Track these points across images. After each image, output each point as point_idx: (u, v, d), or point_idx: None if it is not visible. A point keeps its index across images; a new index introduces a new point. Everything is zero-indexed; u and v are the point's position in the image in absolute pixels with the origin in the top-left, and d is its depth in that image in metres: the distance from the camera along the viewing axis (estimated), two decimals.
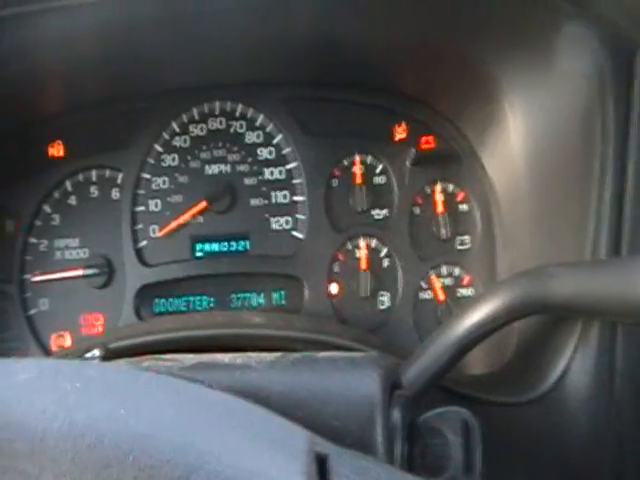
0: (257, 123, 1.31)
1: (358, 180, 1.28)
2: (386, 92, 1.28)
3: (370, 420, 0.68)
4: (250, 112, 1.31)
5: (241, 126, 1.31)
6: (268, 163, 1.30)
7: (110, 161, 1.30)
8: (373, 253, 1.27)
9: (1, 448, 0.41)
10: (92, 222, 1.30)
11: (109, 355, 0.86)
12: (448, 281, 1.26)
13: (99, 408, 0.44)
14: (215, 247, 1.28)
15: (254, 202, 1.29)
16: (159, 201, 1.30)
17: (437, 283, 1.26)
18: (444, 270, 1.26)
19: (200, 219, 1.29)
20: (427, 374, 0.77)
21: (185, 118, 1.31)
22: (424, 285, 1.26)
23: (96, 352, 0.86)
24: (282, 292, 1.27)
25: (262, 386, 0.69)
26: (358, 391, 0.69)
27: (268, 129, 1.30)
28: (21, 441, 0.41)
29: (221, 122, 1.31)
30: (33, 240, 1.30)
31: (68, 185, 1.31)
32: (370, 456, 0.59)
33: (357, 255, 1.27)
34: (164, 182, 1.30)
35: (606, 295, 0.75)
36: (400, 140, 1.28)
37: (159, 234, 1.29)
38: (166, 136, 1.31)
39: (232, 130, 1.31)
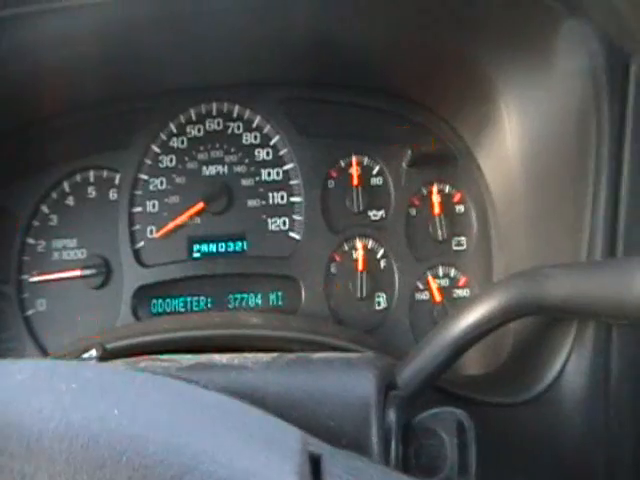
0: (254, 124, 1.31)
1: (355, 181, 1.28)
2: (383, 93, 1.29)
3: (365, 421, 0.68)
4: (247, 113, 1.31)
5: (238, 127, 1.31)
6: (265, 164, 1.30)
7: (108, 162, 1.31)
8: (370, 254, 1.27)
9: None
10: (90, 223, 1.30)
11: (106, 355, 0.86)
12: (444, 282, 1.26)
13: (95, 409, 0.44)
14: (212, 248, 1.29)
15: (251, 203, 1.29)
16: (156, 202, 1.30)
17: (433, 284, 1.26)
18: (440, 271, 1.26)
19: (197, 220, 1.29)
20: (422, 375, 0.77)
21: (182, 119, 1.31)
22: (420, 286, 1.26)
23: (93, 352, 0.86)
24: (279, 293, 1.27)
25: (258, 387, 0.70)
26: (353, 392, 0.69)
27: (265, 130, 1.31)
28: (17, 441, 0.41)
29: (218, 123, 1.32)
30: (31, 240, 1.30)
31: (66, 186, 1.31)
32: (365, 457, 0.59)
33: (354, 256, 1.27)
34: (161, 183, 1.30)
35: (601, 296, 0.76)
36: (396, 141, 1.29)
37: (156, 235, 1.29)
38: (163, 137, 1.31)
39: (229, 131, 1.31)
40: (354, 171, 1.29)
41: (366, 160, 1.29)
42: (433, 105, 1.28)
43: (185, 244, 1.29)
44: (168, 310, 1.28)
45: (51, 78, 1.15)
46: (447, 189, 1.28)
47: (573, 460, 0.88)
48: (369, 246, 1.27)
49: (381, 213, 1.28)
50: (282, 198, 1.29)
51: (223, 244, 1.28)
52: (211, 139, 1.31)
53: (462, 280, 1.26)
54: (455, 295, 1.26)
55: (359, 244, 1.27)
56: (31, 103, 1.23)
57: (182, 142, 1.31)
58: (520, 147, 1.07)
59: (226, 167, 1.30)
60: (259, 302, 1.27)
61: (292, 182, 1.29)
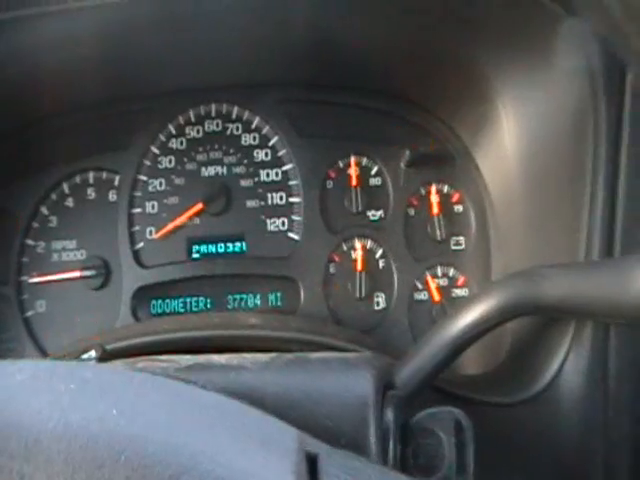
0: (253, 125, 1.31)
1: (353, 182, 1.28)
2: (381, 94, 1.29)
3: (363, 420, 0.68)
4: (246, 114, 1.31)
5: (237, 128, 1.32)
6: (264, 165, 1.30)
7: (107, 163, 1.31)
8: (368, 254, 1.27)
9: None
10: (89, 224, 1.30)
11: (106, 356, 0.86)
12: (443, 282, 1.26)
13: (93, 409, 0.44)
14: (211, 248, 1.29)
15: (250, 204, 1.29)
16: (156, 203, 1.30)
17: (432, 284, 1.26)
18: (439, 271, 1.26)
19: (196, 221, 1.29)
20: (420, 374, 0.77)
21: (181, 120, 1.32)
22: (419, 286, 1.26)
23: (93, 353, 0.86)
24: (278, 293, 1.27)
25: (256, 387, 0.70)
26: (351, 392, 0.70)
27: (264, 131, 1.31)
28: (16, 441, 0.41)
29: (217, 124, 1.32)
30: (30, 242, 1.30)
31: (65, 187, 1.31)
32: (363, 456, 0.60)
33: (352, 256, 1.27)
34: (160, 184, 1.30)
35: (599, 296, 0.76)
36: (395, 142, 1.29)
37: (156, 236, 1.29)
38: (163, 138, 1.31)
39: (228, 132, 1.32)
40: (353, 171, 1.29)
41: (365, 160, 1.30)
42: (431, 105, 1.28)
43: (184, 245, 1.29)
44: (167, 311, 1.28)
45: (51, 79, 1.16)
46: (445, 189, 1.28)
47: (571, 459, 0.88)
48: (368, 246, 1.27)
49: (380, 213, 1.28)
50: (281, 199, 1.29)
51: (222, 245, 1.29)
52: (210, 140, 1.31)
53: (461, 280, 1.26)
54: (454, 295, 1.26)
55: (358, 244, 1.27)
56: (31, 104, 1.23)
57: (181, 143, 1.31)
58: (518, 147, 1.07)
59: (225, 168, 1.30)
60: (258, 302, 1.27)
61: (291, 183, 1.29)
